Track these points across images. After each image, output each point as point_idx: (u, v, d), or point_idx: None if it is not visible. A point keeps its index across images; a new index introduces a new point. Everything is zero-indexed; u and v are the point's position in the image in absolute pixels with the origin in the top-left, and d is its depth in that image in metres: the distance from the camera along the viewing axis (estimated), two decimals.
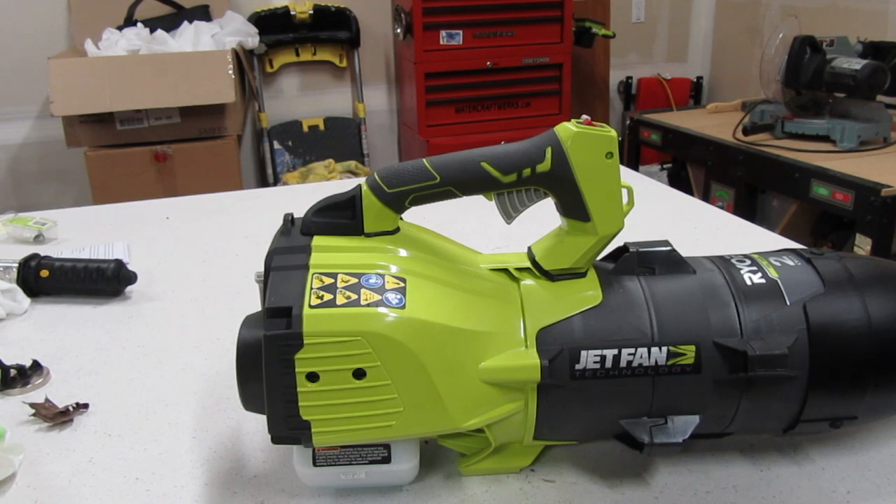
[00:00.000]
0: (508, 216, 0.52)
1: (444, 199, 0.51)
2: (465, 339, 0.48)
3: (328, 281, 0.47)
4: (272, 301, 0.46)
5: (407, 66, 2.84)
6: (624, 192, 0.51)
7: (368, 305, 0.46)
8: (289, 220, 0.53)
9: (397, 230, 0.52)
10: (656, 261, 0.52)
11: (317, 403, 0.46)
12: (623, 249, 0.54)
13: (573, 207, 0.50)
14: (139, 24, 2.42)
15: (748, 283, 0.51)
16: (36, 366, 0.70)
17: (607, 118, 3.37)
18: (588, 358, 0.49)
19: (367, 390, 0.46)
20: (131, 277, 0.87)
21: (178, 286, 0.90)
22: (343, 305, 0.46)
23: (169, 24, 2.46)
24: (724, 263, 0.53)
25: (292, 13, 2.75)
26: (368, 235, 0.51)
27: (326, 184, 1.47)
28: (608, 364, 0.49)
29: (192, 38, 2.36)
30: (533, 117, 2.88)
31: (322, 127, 2.94)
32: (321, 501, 0.52)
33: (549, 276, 0.52)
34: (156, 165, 2.29)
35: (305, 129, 2.92)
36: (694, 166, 2.39)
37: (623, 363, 0.49)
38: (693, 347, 0.49)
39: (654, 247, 0.53)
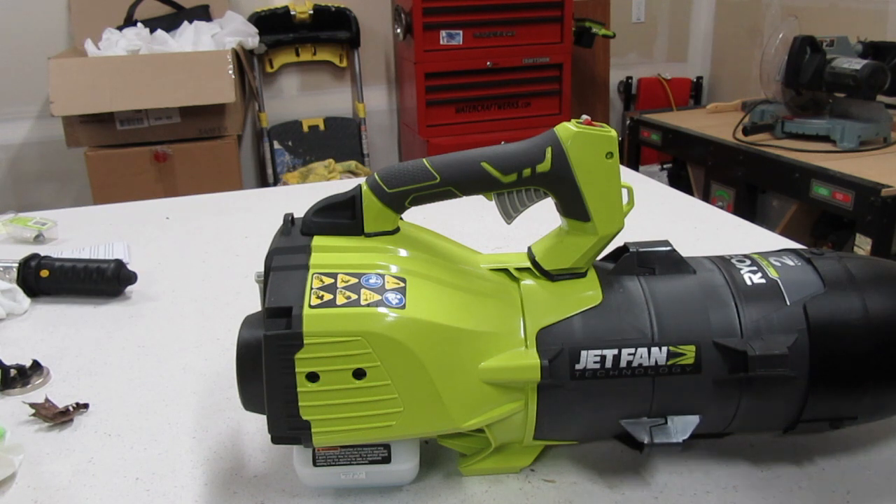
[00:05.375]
0: (508, 216, 0.52)
1: (444, 199, 0.51)
2: (465, 339, 0.48)
3: (328, 281, 0.47)
4: (272, 301, 0.46)
5: (407, 66, 2.84)
6: (624, 192, 0.51)
7: (368, 305, 0.46)
8: (289, 220, 0.53)
9: (397, 230, 0.52)
10: (656, 261, 0.52)
11: (317, 403, 0.46)
12: (623, 249, 0.54)
13: (573, 207, 0.50)
14: (139, 24, 2.42)
15: (748, 283, 0.51)
16: (36, 366, 0.70)
17: (607, 118, 3.37)
18: (588, 358, 0.49)
19: (367, 390, 0.46)
20: (131, 277, 0.87)
21: (178, 286, 0.90)
22: (343, 305, 0.46)
23: (169, 24, 2.46)
24: (724, 263, 0.53)
25: (292, 13, 2.75)
26: (368, 235, 0.51)
27: (326, 184, 1.47)
28: (608, 364, 0.49)
29: (192, 38, 2.36)
30: (533, 117, 2.88)
31: (322, 127, 2.94)
32: (321, 501, 0.52)
33: (549, 276, 0.52)
34: (156, 165, 2.29)
35: (305, 129, 2.92)
36: (694, 166, 2.39)
37: (623, 363, 0.49)
38: (693, 347, 0.49)
39: (654, 247, 0.53)
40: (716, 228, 1.03)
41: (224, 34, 2.45)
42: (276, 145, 2.88)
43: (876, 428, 0.58)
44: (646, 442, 0.49)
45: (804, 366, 0.49)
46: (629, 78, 3.41)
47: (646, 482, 0.53)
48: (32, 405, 0.63)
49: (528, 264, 0.53)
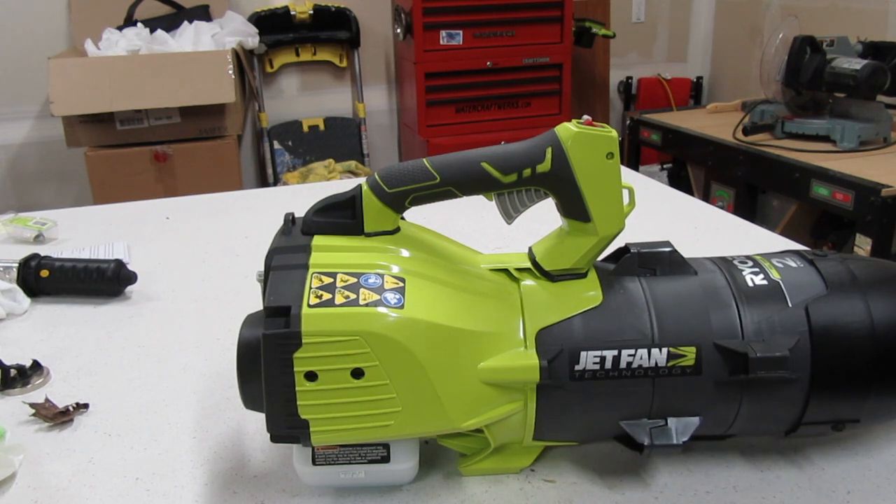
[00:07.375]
0: (508, 216, 0.52)
1: (444, 199, 0.51)
2: (465, 339, 0.48)
3: (327, 280, 0.47)
4: (271, 300, 0.46)
5: (407, 66, 2.84)
6: (625, 192, 0.51)
7: (367, 305, 0.46)
8: (289, 219, 0.53)
9: (397, 230, 0.52)
10: (657, 262, 0.52)
11: (315, 402, 0.46)
12: (624, 250, 0.53)
13: (574, 208, 0.50)
14: (139, 24, 2.41)
15: (750, 284, 0.51)
16: (36, 366, 0.70)
17: (607, 118, 3.37)
18: (588, 359, 0.49)
19: (365, 390, 0.46)
20: (131, 277, 0.87)
21: (178, 286, 0.90)
22: (342, 305, 0.46)
23: (169, 24, 2.46)
24: (725, 264, 0.53)
25: (292, 13, 2.75)
26: (368, 235, 0.51)
27: (326, 184, 1.47)
28: (608, 365, 0.49)
29: (192, 38, 2.36)
30: (533, 117, 2.88)
31: (322, 127, 2.94)
32: (321, 501, 0.52)
33: (550, 276, 0.52)
34: (156, 165, 2.29)
35: (305, 129, 2.92)
36: (694, 166, 2.39)
37: (623, 364, 0.49)
38: (693, 349, 0.49)
39: (656, 248, 0.53)
40: (716, 228, 1.03)
41: (224, 34, 2.45)
42: (276, 145, 2.88)
43: (876, 429, 0.58)
44: (646, 444, 0.49)
45: (806, 368, 0.49)
46: (629, 78, 3.41)
47: (646, 483, 0.53)
48: (32, 405, 0.63)
49: (528, 264, 0.53)
